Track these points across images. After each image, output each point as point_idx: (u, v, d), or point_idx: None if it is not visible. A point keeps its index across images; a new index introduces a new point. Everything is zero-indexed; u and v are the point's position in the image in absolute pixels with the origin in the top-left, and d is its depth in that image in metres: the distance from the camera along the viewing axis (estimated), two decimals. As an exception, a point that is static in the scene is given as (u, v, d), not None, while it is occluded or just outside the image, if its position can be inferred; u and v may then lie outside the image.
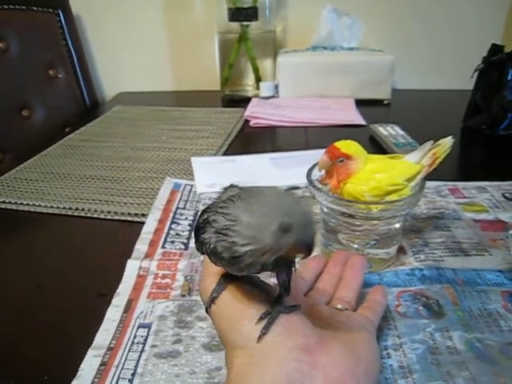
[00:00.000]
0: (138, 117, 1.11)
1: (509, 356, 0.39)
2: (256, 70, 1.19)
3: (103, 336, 0.43)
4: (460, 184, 0.70)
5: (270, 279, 0.38)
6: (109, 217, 0.65)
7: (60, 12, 1.18)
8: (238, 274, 0.32)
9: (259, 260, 0.28)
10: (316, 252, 0.41)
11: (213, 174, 0.76)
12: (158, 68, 1.39)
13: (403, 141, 0.83)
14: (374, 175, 0.47)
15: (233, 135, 0.97)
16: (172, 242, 0.57)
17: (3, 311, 0.48)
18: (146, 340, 0.42)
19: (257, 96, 1.19)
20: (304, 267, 0.44)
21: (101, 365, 0.40)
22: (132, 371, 0.39)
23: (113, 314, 0.46)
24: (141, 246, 0.56)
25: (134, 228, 0.61)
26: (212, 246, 0.29)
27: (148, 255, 0.55)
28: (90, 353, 0.41)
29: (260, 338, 0.30)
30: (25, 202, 0.69)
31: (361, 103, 1.13)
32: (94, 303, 0.48)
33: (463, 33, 1.26)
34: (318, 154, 0.50)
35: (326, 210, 0.50)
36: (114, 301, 0.47)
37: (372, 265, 0.51)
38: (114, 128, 1.03)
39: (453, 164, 0.81)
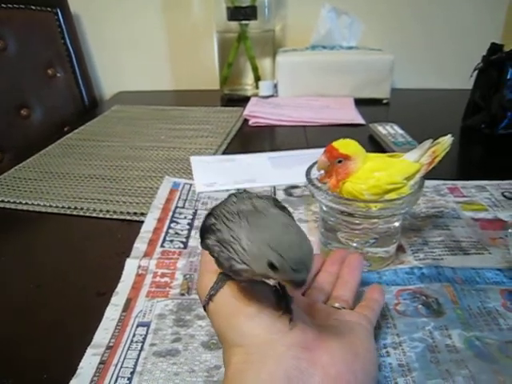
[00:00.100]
0: (136, 116, 1.11)
1: (508, 354, 0.39)
2: (255, 70, 1.19)
3: (102, 335, 0.43)
4: (459, 183, 0.70)
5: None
6: (108, 216, 0.65)
7: (58, 11, 1.18)
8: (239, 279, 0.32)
9: (255, 276, 0.30)
10: (315, 251, 0.41)
11: (212, 173, 0.76)
12: (156, 67, 1.38)
13: (402, 140, 0.83)
14: (373, 174, 0.47)
15: (232, 134, 0.97)
16: (171, 241, 0.57)
17: (2, 310, 0.48)
18: (145, 339, 0.42)
19: (256, 95, 1.19)
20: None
21: (100, 363, 0.40)
22: (131, 370, 0.39)
23: (112, 312, 0.46)
24: (140, 245, 0.56)
25: (132, 227, 0.61)
26: (215, 254, 0.31)
27: (147, 254, 0.55)
28: (89, 351, 0.41)
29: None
30: (24, 202, 0.69)
31: (360, 102, 1.13)
32: (93, 302, 0.48)
33: (462, 32, 1.26)
34: (317, 154, 0.50)
35: (325, 208, 0.50)
36: (113, 300, 0.47)
37: (371, 263, 0.51)
38: (113, 127, 1.03)
39: (452, 163, 0.81)
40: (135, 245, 0.56)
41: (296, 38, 1.30)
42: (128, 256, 0.54)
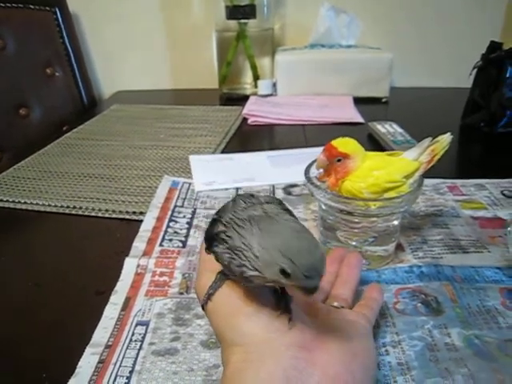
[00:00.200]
0: (135, 115, 1.11)
1: (507, 353, 0.39)
2: (254, 68, 1.19)
3: (101, 334, 0.43)
4: (459, 181, 0.70)
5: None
6: (107, 215, 0.65)
7: (57, 10, 1.18)
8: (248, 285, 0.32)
9: (266, 283, 0.30)
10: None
11: (211, 172, 0.75)
12: (155, 66, 1.38)
13: (401, 138, 0.83)
14: (372, 172, 0.47)
15: (231, 133, 0.97)
16: (170, 240, 0.57)
17: (1, 309, 0.48)
18: (143, 337, 0.42)
19: (255, 94, 1.19)
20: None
21: (99, 362, 0.40)
22: (130, 369, 0.39)
23: (111, 311, 0.46)
24: (139, 244, 0.56)
25: (131, 226, 0.61)
26: (226, 262, 0.31)
27: (146, 253, 0.55)
28: (88, 350, 0.41)
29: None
30: (22, 201, 0.68)
31: (359, 101, 1.13)
32: (92, 301, 0.48)
33: (462, 30, 1.26)
34: (316, 152, 0.50)
35: (324, 207, 0.50)
36: (112, 299, 0.47)
37: (370, 262, 0.51)
38: (112, 126, 1.03)
39: (451, 162, 0.81)
40: (134, 244, 0.56)
41: (295, 36, 1.30)
42: (127, 255, 0.54)
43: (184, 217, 0.63)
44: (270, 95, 1.19)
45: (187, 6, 1.30)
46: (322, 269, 0.28)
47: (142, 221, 0.61)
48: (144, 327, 0.44)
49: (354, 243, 0.51)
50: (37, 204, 0.68)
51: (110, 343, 0.42)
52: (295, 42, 1.27)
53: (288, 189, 0.70)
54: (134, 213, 0.65)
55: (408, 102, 1.18)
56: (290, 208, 0.34)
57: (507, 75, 0.86)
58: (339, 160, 0.48)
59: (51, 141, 0.94)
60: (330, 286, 0.42)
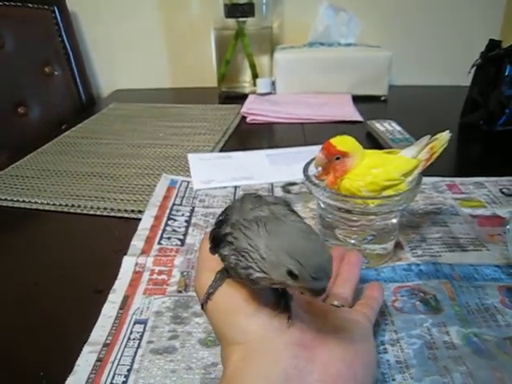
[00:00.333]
0: (134, 114, 1.11)
1: (506, 351, 0.39)
2: (253, 67, 1.19)
3: (99, 332, 0.43)
4: (457, 180, 0.70)
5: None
6: (105, 213, 0.64)
7: (55, 9, 1.18)
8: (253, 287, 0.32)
9: (273, 285, 0.29)
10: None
11: (209, 171, 0.75)
12: (154, 65, 1.38)
13: (400, 137, 0.83)
14: (371, 170, 0.47)
15: (229, 132, 0.97)
16: (168, 238, 0.57)
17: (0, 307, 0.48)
18: (142, 336, 0.42)
19: (254, 92, 1.19)
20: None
21: (97, 361, 0.39)
22: (128, 367, 0.39)
23: (109, 310, 0.46)
24: (137, 243, 0.56)
25: (130, 224, 0.60)
26: (232, 264, 0.30)
27: (144, 251, 0.55)
28: (86, 349, 0.41)
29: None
30: (21, 199, 0.68)
31: (358, 99, 1.12)
32: (91, 299, 0.48)
33: (460, 28, 1.26)
34: (315, 151, 0.50)
35: (322, 205, 0.50)
36: (111, 297, 0.47)
37: (369, 260, 0.51)
38: (111, 125, 1.03)
39: (450, 160, 0.81)
40: (132, 242, 0.56)
41: (294, 35, 1.30)
42: (125, 253, 0.54)
43: (182, 215, 0.63)
44: (269, 94, 1.18)
45: (186, 5, 1.30)
46: (330, 270, 0.28)
47: (140, 219, 0.61)
48: (142, 325, 0.43)
49: (352, 241, 0.51)
50: (35, 202, 0.68)
51: (108, 341, 0.42)
52: (294, 40, 1.27)
53: (287, 187, 0.70)
54: (133, 211, 0.64)
55: (407, 101, 1.18)
56: None
57: (506, 73, 0.86)
58: (338, 158, 0.48)
59: (50, 139, 0.94)
60: (330, 285, 0.42)
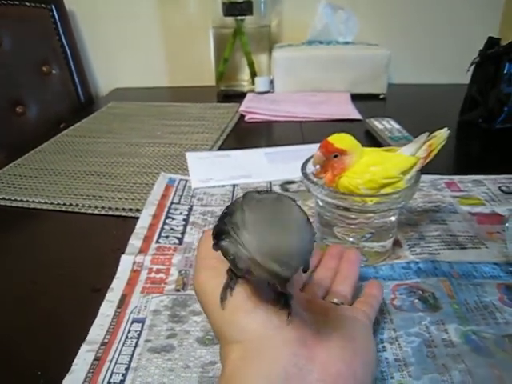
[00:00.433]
0: (132, 112, 1.10)
1: (504, 348, 0.39)
2: (251, 65, 1.19)
3: (97, 331, 0.42)
4: (456, 177, 0.70)
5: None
6: (103, 212, 0.64)
7: (53, 7, 1.17)
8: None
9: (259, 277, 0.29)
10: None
11: (208, 169, 0.75)
12: (152, 63, 1.38)
13: (399, 135, 0.83)
14: (369, 168, 0.47)
15: (228, 130, 0.97)
16: (166, 237, 0.57)
17: (-3, 307, 0.48)
18: (139, 335, 0.42)
19: (252, 91, 1.19)
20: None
21: (94, 359, 0.39)
22: (126, 366, 0.39)
23: (107, 309, 0.45)
24: (135, 241, 0.56)
25: (128, 223, 0.60)
26: (232, 256, 0.30)
27: (142, 250, 0.54)
28: (84, 348, 0.40)
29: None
30: (19, 198, 0.68)
31: (356, 98, 1.12)
32: (88, 298, 0.48)
33: (459, 26, 1.26)
34: (313, 149, 0.49)
35: (321, 203, 0.50)
36: (108, 296, 0.47)
37: (368, 258, 0.51)
38: (109, 124, 1.02)
39: (449, 158, 0.81)
40: (130, 241, 0.56)
41: (292, 33, 1.30)
42: (123, 252, 0.54)
43: (180, 214, 0.63)
44: (267, 92, 1.18)
45: (184, 3, 1.30)
46: (297, 258, 0.26)
47: (138, 218, 0.61)
48: (140, 324, 0.43)
49: (351, 239, 0.50)
50: (33, 202, 0.67)
51: (105, 340, 0.41)
52: (292, 38, 1.27)
53: (285, 185, 0.70)
54: (131, 210, 0.64)
55: (405, 99, 1.18)
56: None
57: (505, 71, 0.86)
58: (336, 156, 0.48)
59: (48, 138, 0.93)
60: (329, 283, 0.42)
